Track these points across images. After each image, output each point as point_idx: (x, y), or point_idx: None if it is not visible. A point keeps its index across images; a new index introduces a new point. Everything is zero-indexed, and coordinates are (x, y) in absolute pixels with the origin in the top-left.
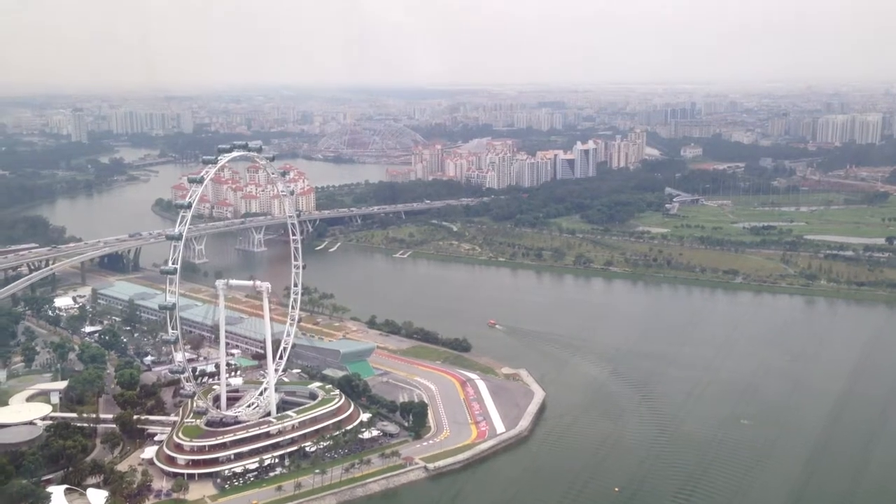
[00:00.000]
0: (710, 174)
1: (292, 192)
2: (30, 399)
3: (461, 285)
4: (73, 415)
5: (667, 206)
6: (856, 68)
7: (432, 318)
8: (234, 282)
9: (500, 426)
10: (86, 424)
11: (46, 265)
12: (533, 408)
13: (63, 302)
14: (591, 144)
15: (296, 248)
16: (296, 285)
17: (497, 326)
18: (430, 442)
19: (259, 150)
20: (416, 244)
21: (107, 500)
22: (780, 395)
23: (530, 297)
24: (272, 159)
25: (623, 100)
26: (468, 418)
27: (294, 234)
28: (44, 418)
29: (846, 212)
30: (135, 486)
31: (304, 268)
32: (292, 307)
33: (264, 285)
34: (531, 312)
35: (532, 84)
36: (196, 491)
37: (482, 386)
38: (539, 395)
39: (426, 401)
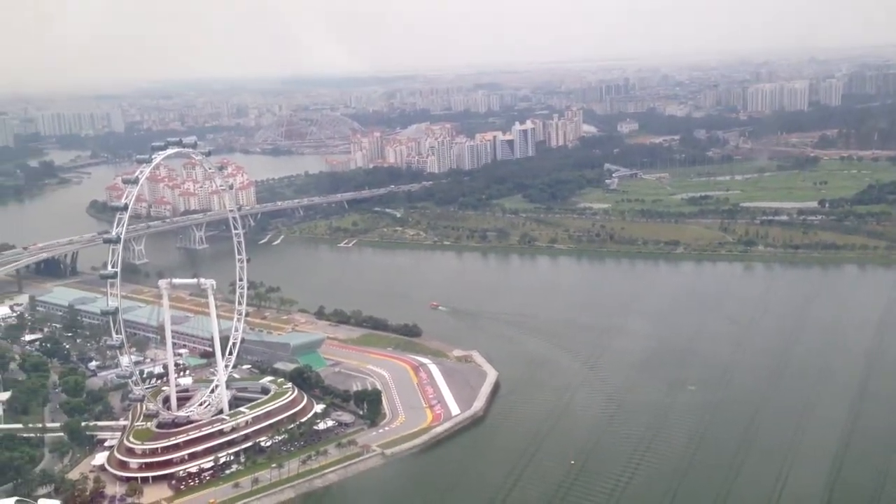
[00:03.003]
0: (647, 148)
1: (231, 187)
2: None
3: (408, 271)
4: (19, 426)
5: (606, 181)
6: (783, 38)
7: (381, 305)
8: (177, 281)
9: (454, 408)
10: (32, 434)
11: None
12: (486, 388)
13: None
14: (528, 124)
15: (238, 243)
16: (241, 280)
17: (440, 308)
18: (386, 429)
19: (194, 145)
20: (361, 233)
21: None
22: (724, 358)
23: (477, 279)
24: (208, 154)
25: (558, 79)
26: (422, 403)
27: (236, 229)
28: None
29: (779, 178)
30: (87, 493)
31: (248, 262)
32: (238, 302)
33: (209, 282)
34: (479, 294)
35: (467, 67)
36: (151, 494)
37: (435, 370)
38: (492, 375)
39: (380, 388)
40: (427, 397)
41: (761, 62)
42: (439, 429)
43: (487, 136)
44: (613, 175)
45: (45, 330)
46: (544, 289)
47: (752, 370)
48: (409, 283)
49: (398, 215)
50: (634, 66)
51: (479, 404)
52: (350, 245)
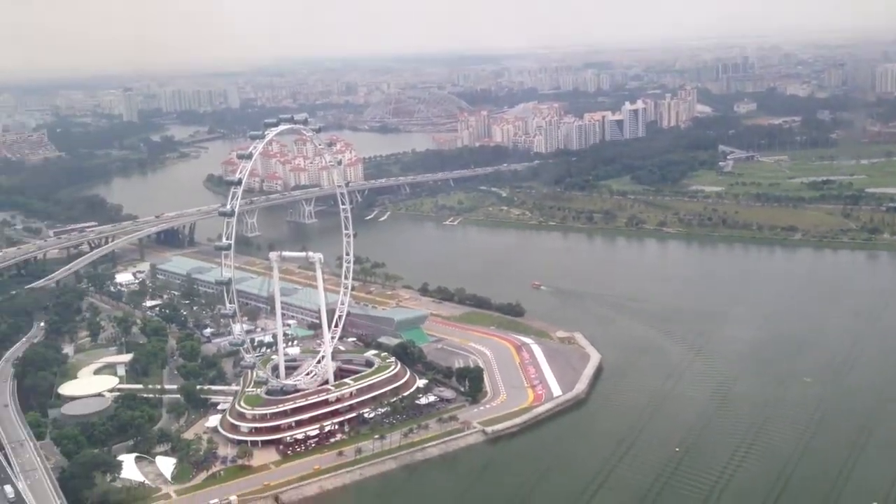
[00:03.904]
0: (765, 129)
1: (340, 163)
2: (97, 372)
3: (511, 250)
4: (139, 386)
5: (720, 163)
6: None
7: (484, 283)
8: (287, 253)
9: (556, 389)
10: (151, 395)
11: (106, 242)
12: (589, 370)
13: (124, 278)
14: (639, 104)
15: (346, 218)
16: (347, 254)
17: (543, 288)
18: (487, 406)
19: (305, 122)
20: (466, 211)
21: (175, 467)
22: (843, 351)
23: (582, 260)
24: (318, 131)
25: (672, 57)
26: (524, 382)
27: (343, 204)
28: (111, 390)
29: None
30: (201, 453)
31: (355, 237)
32: (345, 276)
33: (317, 256)
34: (584, 275)
35: (579, 45)
36: (260, 457)
37: (537, 350)
38: (595, 357)
39: (482, 366)
40: (529, 377)
41: (892, 40)
42: (540, 409)
43: (596, 116)
44: (728, 157)
45: (165, 297)
46: (651, 272)
47: (874, 365)
48: (512, 262)
49: (504, 194)
50: (755, 44)
51: (581, 386)
52: (455, 223)
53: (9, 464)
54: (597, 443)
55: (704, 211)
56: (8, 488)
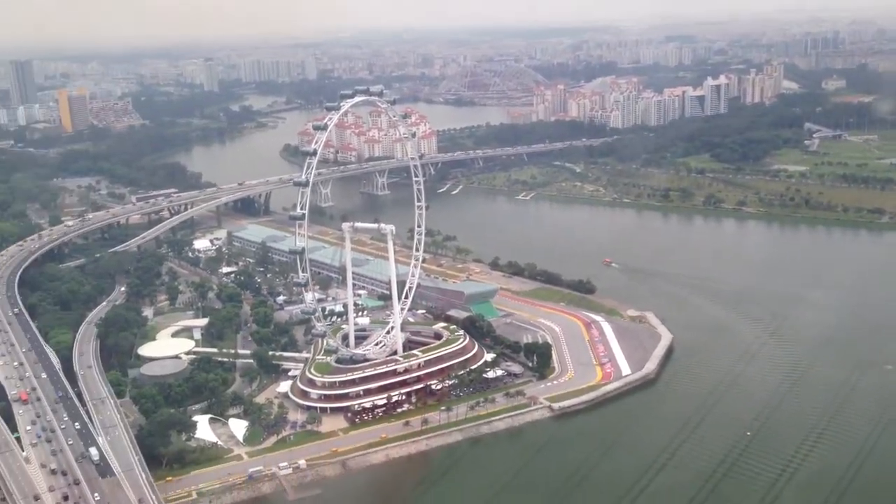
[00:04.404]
0: (855, 107)
1: (414, 135)
2: (175, 335)
3: (584, 227)
4: (214, 350)
5: (806, 142)
6: None
7: (555, 259)
8: (359, 224)
9: (625, 368)
10: (225, 359)
11: (185, 209)
12: (660, 350)
13: (201, 244)
14: (722, 80)
15: (418, 190)
16: (419, 227)
17: (614, 265)
18: (555, 382)
19: (380, 94)
20: (539, 186)
21: (247, 430)
22: None
23: (655, 238)
24: (393, 103)
25: (759, 31)
26: (593, 360)
27: (416, 177)
28: (188, 353)
29: None
30: (272, 417)
31: (427, 209)
32: (416, 248)
33: (388, 227)
34: (657, 253)
35: (660, 17)
36: (328, 423)
37: (607, 328)
38: (666, 337)
39: (550, 342)
40: (598, 355)
41: None
42: (609, 387)
43: (676, 92)
44: (814, 136)
45: (240, 264)
46: (727, 253)
47: None
48: (584, 238)
49: (578, 170)
50: (847, 19)
51: (651, 366)
52: (528, 198)
53: (90, 420)
54: (664, 423)
55: (787, 191)
56: (93, 450)
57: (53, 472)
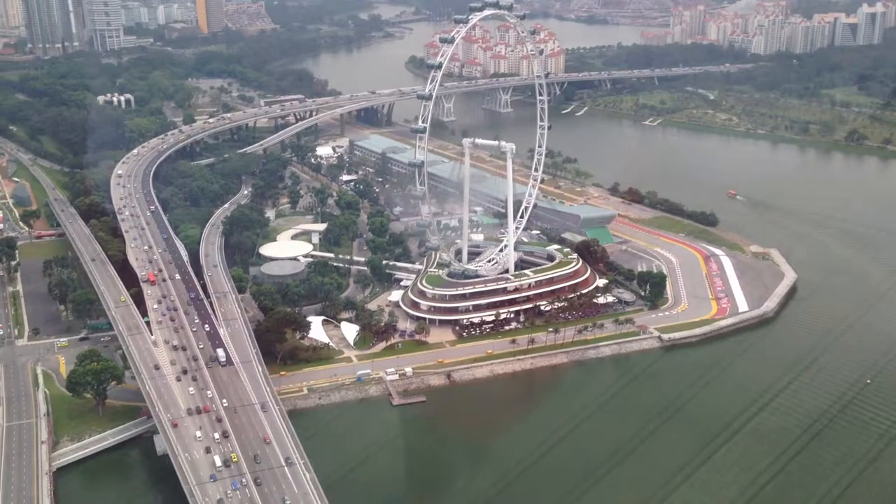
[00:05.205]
0: None
1: (541, 53)
2: (294, 238)
3: (712, 157)
4: (330, 255)
5: None
6: None
7: (678, 188)
8: (479, 141)
9: (742, 304)
10: (341, 265)
11: (311, 116)
12: (782, 289)
13: (324, 151)
14: (879, 7)
15: (542, 110)
16: (540, 147)
17: (738, 198)
18: (667, 313)
19: (510, 8)
20: (667, 112)
21: (358, 334)
22: None
23: (788, 173)
24: (523, 18)
25: None
26: (709, 294)
27: (541, 96)
28: (306, 255)
29: None
30: (382, 324)
31: (549, 129)
32: (535, 168)
33: (509, 146)
34: (787, 189)
35: None
36: (436, 335)
37: (727, 262)
38: (790, 276)
39: (665, 272)
40: (714, 289)
41: None
42: (723, 322)
43: (827, 18)
44: None
45: (360, 172)
46: (865, 192)
47: None
48: (710, 169)
49: (711, 97)
50: None
51: (770, 304)
52: (654, 124)
53: (213, 311)
54: (776, 364)
55: None
56: (220, 351)
57: (175, 348)
